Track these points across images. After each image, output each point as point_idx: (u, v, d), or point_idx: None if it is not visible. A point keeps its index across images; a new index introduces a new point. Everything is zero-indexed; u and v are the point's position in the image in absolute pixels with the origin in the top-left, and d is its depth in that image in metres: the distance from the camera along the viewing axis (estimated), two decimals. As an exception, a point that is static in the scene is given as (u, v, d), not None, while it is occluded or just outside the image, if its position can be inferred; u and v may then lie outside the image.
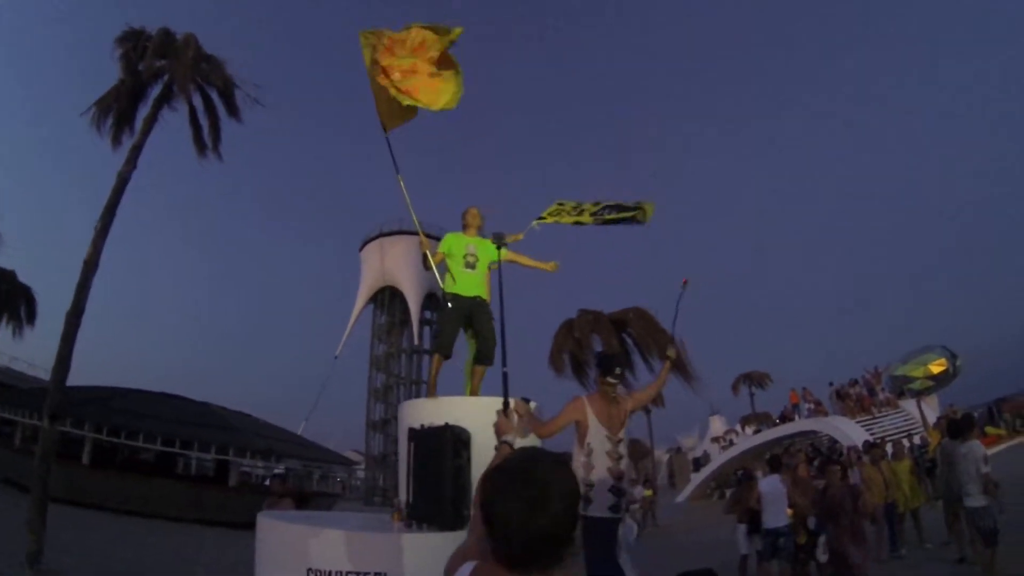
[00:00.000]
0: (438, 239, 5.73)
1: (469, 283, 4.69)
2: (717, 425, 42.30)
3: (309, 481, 27.68)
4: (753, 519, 7.30)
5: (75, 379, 11.60)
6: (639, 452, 59.70)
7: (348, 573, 3.02)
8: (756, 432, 30.41)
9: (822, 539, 6.20)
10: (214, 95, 13.58)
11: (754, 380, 41.57)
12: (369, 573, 3.04)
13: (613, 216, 5.64)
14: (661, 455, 56.23)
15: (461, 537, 3.32)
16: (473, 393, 4.63)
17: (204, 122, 13.87)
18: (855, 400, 21.34)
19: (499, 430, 1.99)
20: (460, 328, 4.64)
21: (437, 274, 4.86)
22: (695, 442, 49.79)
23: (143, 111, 12.52)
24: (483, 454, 3.43)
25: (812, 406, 23.80)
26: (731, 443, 32.80)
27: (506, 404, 2.21)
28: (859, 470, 9.06)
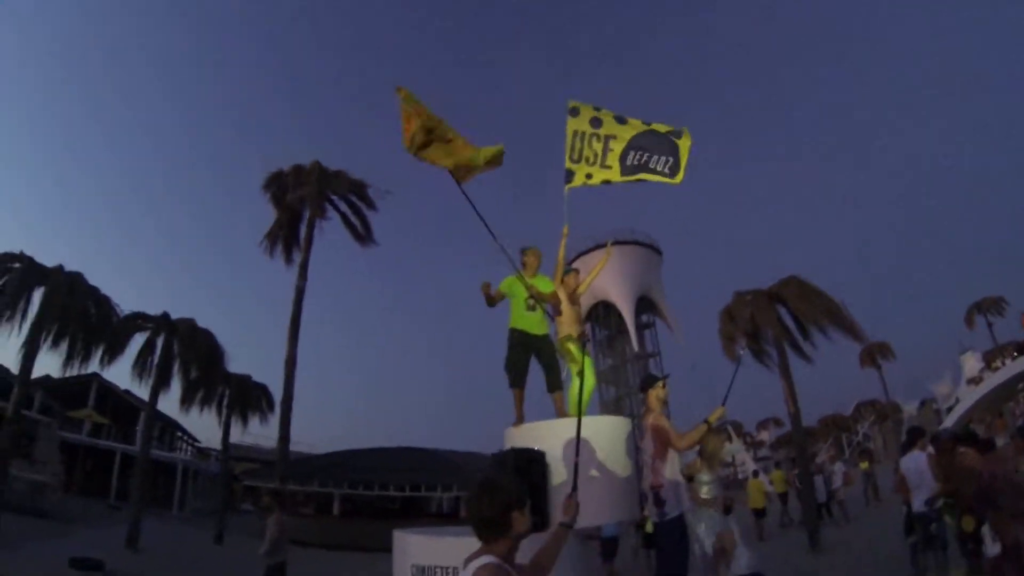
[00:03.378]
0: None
1: (531, 323, 5.23)
2: (971, 363, 36.00)
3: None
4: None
5: (337, 445, 14.86)
6: (880, 413, 52.81)
7: (426, 566, 4.16)
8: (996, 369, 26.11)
9: (985, 528, 4.85)
10: (354, 199, 16.52)
11: (988, 308, 35.32)
12: (442, 566, 4.17)
13: (642, 175, 5.66)
14: (911, 410, 48.86)
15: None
16: (560, 415, 5.17)
17: (355, 221, 16.91)
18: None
19: (563, 512, 2.52)
20: (528, 362, 5.17)
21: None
22: (949, 388, 41.22)
23: (303, 230, 15.74)
24: (558, 468, 4.42)
25: (1051, 327, 19.84)
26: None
27: (574, 489, 2.69)
28: None
